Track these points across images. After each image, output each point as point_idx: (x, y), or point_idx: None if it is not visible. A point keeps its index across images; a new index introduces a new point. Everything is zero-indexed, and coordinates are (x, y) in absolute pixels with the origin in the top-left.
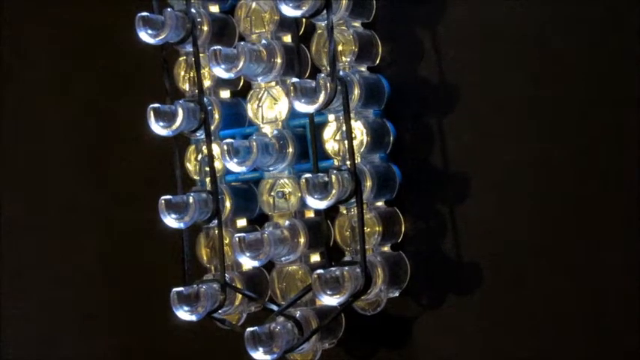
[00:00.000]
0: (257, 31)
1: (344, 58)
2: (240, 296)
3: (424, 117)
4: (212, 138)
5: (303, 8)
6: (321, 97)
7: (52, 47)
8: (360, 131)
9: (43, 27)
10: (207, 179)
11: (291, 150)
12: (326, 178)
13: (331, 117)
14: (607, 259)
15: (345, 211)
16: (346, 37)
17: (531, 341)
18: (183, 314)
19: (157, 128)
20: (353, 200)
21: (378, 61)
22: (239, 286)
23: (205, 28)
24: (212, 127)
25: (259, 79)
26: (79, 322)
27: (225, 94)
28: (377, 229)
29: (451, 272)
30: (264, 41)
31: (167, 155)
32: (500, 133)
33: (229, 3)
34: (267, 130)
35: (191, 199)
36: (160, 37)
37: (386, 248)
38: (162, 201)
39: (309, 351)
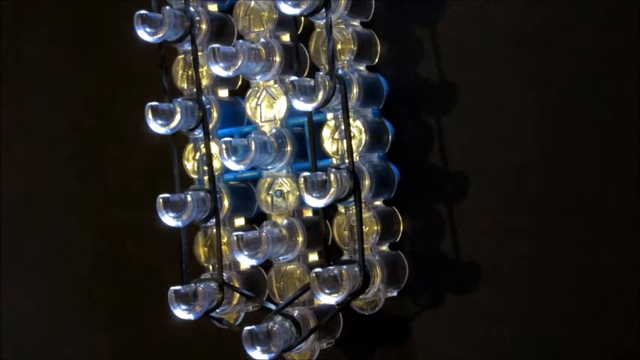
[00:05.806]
0: (256, 30)
1: (343, 57)
2: (237, 295)
3: (423, 116)
4: (210, 136)
5: (302, 7)
6: (320, 96)
7: (50, 45)
8: (358, 130)
9: (41, 25)
10: (206, 178)
11: (289, 149)
12: (324, 177)
13: (330, 116)
14: (607, 259)
15: (343, 210)
16: (345, 35)
17: (531, 341)
18: (181, 313)
19: (155, 126)
20: (351, 199)
21: (377, 60)
22: (237, 285)
23: (204, 26)
24: (210, 126)
25: (258, 77)
26: (78, 322)
27: (223, 92)
28: (375, 228)
29: (450, 272)
30: (262, 40)
31: (165, 154)
32: (499, 132)
33: (228, 2)
34: (266, 128)
35: (189, 198)
36: (159, 36)
37: (384, 247)
38: (160, 199)
39: (307, 350)
